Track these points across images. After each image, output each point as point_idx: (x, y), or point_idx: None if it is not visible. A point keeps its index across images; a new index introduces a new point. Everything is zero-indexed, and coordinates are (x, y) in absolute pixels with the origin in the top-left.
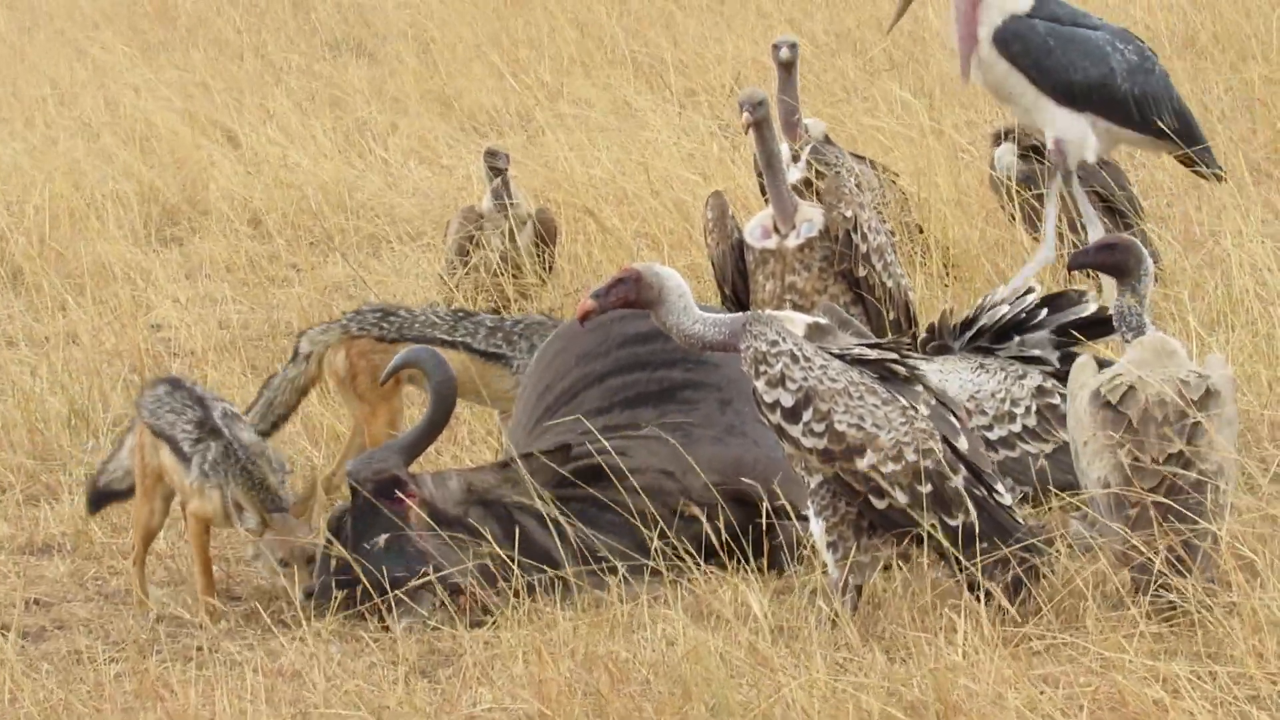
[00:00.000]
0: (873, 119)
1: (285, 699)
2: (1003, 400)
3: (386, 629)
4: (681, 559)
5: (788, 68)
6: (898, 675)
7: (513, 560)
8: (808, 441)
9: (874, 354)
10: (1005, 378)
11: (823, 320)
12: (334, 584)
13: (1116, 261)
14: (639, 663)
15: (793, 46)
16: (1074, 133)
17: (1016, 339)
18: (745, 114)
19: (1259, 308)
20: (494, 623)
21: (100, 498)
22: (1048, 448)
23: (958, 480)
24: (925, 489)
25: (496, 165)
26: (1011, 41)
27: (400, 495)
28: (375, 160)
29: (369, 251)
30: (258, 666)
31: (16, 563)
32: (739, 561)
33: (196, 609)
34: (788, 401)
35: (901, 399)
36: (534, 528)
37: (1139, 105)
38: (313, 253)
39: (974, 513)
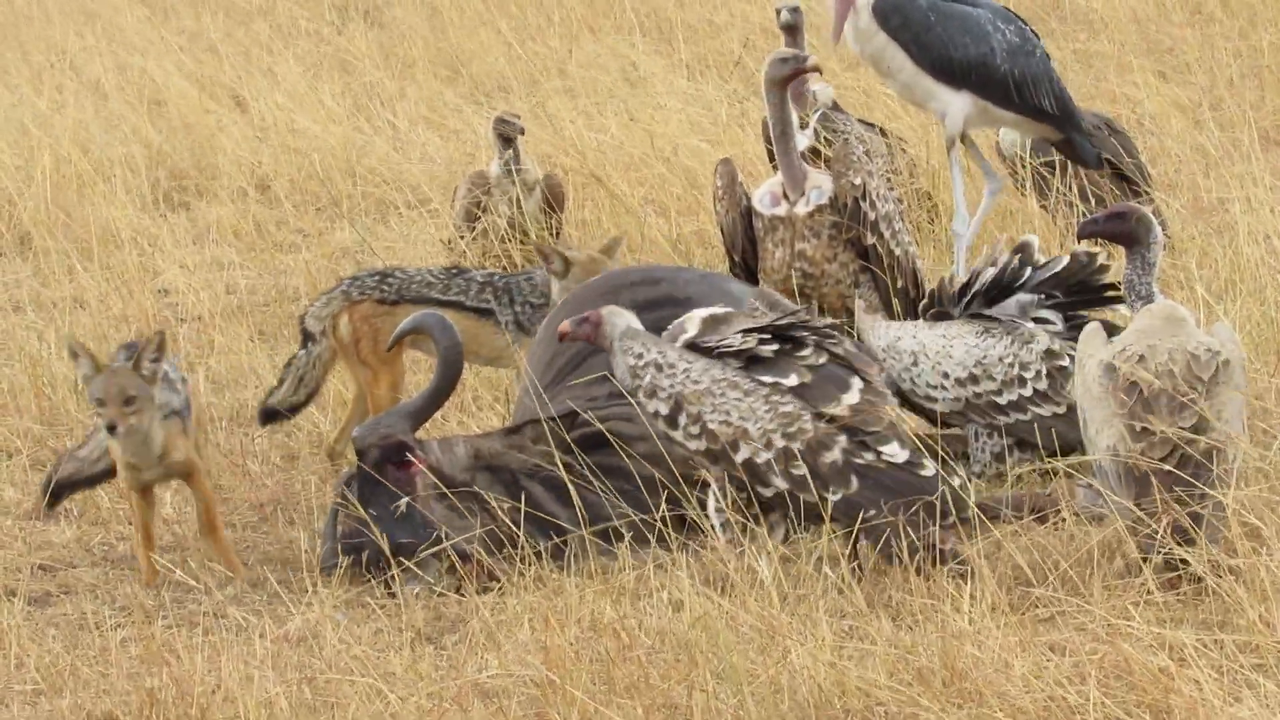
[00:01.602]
0: (881, 85)
1: (291, 665)
2: (1011, 365)
3: (393, 595)
4: (689, 525)
5: (791, 31)
6: (904, 642)
7: (519, 526)
8: (691, 445)
9: (739, 342)
10: (1012, 341)
11: (720, 310)
12: (340, 550)
13: (1126, 230)
14: (645, 629)
15: (794, 10)
16: (952, 110)
17: (1014, 299)
18: (776, 70)
19: (1267, 275)
20: (500, 589)
21: (59, 490)
22: (1060, 409)
23: (835, 454)
24: (799, 471)
25: (508, 132)
26: (891, 15)
27: (407, 461)
28: (383, 126)
29: (376, 217)
30: (264, 632)
31: (23, 528)
32: (745, 528)
33: (200, 575)
34: (664, 410)
35: (764, 386)
36: (541, 494)
37: (1018, 86)
38: (320, 218)
39: (855, 483)
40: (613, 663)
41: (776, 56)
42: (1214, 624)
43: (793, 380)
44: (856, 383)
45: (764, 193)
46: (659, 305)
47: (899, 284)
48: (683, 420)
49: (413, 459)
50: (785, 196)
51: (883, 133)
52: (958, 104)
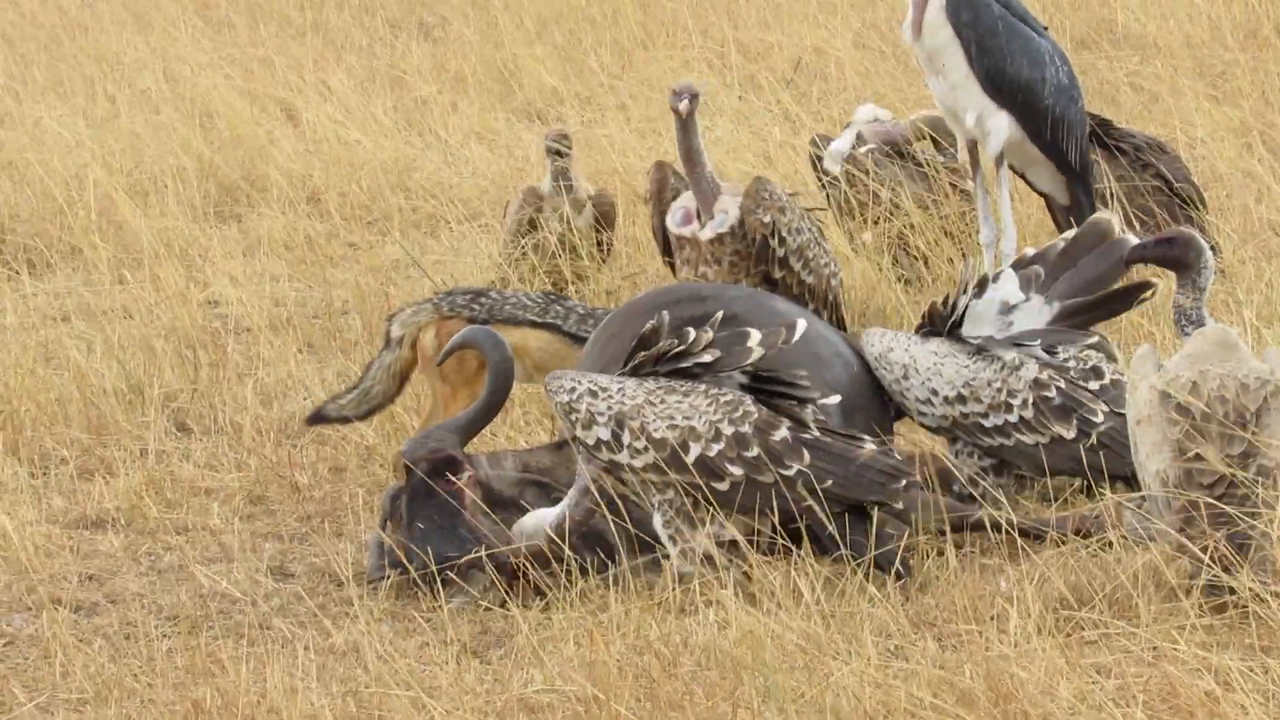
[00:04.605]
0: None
1: (336, 677)
2: (999, 390)
3: (439, 609)
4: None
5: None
6: (949, 663)
7: (565, 541)
8: (639, 461)
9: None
10: (1002, 367)
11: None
12: (387, 564)
13: (1176, 255)
14: (690, 646)
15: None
16: (989, 125)
17: (1009, 320)
18: (675, 101)
19: None
20: (546, 604)
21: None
22: (1044, 439)
23: (783, 431)
24: (752, 453)
25: (559, 149)
26: (962, 9)
27: (455, 475)
28: (434, 140)
29: (427, 231)
30: (309, 644)
31: (70, 537)
32: (790, 546)
33: (249, 585)
34: (605, 435)
35: (700, 384)
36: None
37: (1054, 125)
38: (370, 232)
39: (807, 456)
40: (657, 680)
41: (676, 88)
42: (1260, 649)
43: (707, 359)
44: (754, 332)
45: (679, 207)
46: (704, 323)
47: (810, 307)
48: (626, 438)
49: (461, 473)
50: (698, 216)
51: (914, 156)
52: (1001, 122)
